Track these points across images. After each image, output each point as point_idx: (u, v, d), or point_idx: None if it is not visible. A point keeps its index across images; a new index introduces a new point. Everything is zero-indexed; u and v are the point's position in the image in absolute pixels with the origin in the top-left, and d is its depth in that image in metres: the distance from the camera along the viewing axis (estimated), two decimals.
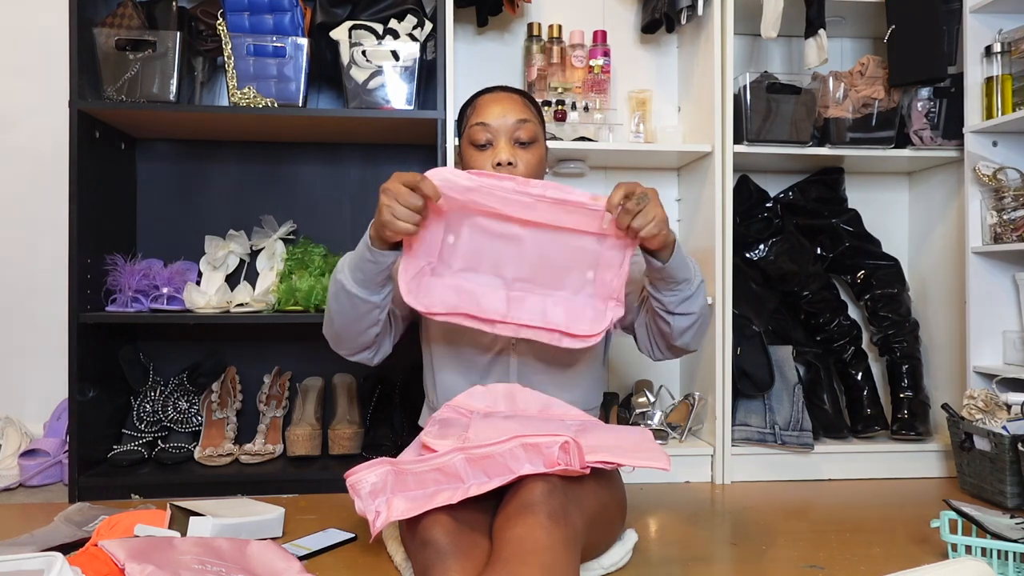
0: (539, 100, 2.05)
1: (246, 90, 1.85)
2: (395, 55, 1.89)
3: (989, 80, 1.97)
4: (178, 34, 1.85)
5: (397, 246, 1.29)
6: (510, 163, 1.40)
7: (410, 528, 1.18)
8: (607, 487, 1.29)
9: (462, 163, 1.49)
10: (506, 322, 1.34)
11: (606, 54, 2.10)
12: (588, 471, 1.18)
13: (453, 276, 1.34)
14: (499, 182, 1.27)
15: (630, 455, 1.23)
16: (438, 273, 1.33)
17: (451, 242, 1.31)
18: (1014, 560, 1.26)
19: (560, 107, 2.05)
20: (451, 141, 1.86)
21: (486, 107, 1.43)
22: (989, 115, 1.97)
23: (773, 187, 2.28)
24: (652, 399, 2.10)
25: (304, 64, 1.88)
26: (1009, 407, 1.83)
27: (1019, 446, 1.70)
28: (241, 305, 1.96)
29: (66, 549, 1.32)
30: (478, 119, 1.42)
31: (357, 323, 1.35)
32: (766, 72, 2.05)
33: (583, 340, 1.34)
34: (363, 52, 1.88)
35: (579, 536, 1.12)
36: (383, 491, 1.17)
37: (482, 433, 1.23)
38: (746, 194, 2.22)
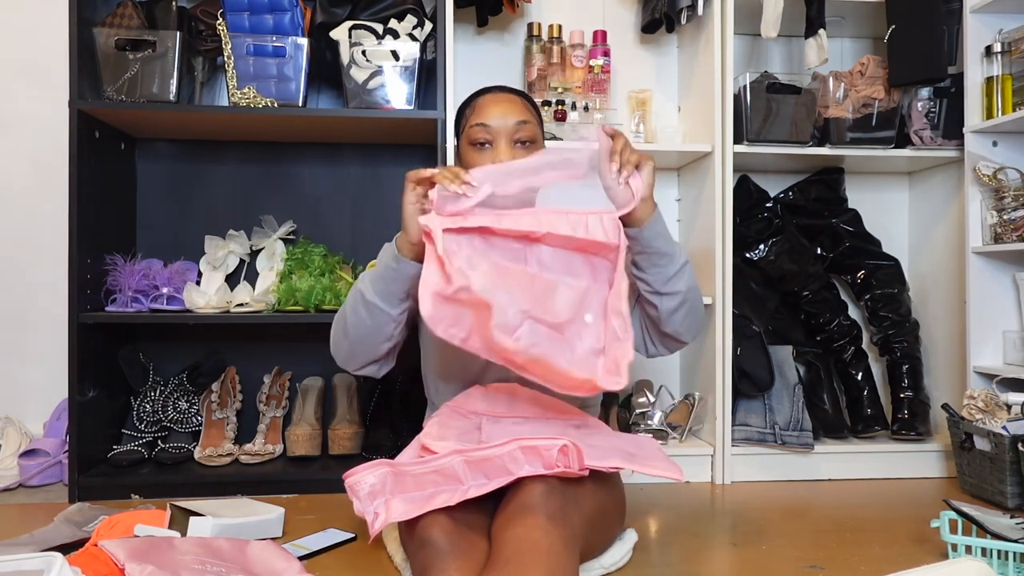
0: (539, 100, 2.05)
1: (246, 90, 1.85)
2: (395, 55, 1.89)
3: (989, 80, 1.97)
4: (178, 34, 1.85)
5: (421, 258, 1.27)
6: None
7: (409, 528, 1.18)
8: (606, 488, 1.29)
9: (461, 163, 1.49)
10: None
11: (606, 54, 2.10)
12: (587, 472, 1.18)
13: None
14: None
15: (647, 463, 1.22)
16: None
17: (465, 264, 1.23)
18: (1014, 560, 1.26)
19: (560, 107, 2.05)
20: (451, 141, 1.86)
21: (486, 107, 1.43)
22: (989, 115, 1.97)
23: (773, 187, 2.28)
24: (652, 399, 2.10)
25: (304, 64, 1.88)
26: (1009, 407, 1.83)
27: (1019, 446, 1.70)
28: (241, 305, 1.96)
29: (66, 549, 1.32)
30: (478, 119, 1.42)
31: (374, 335, 1.36)
32: (766, 72, 2.05)
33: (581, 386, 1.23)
34: (363, 52, 1.88)
35: (578, 537, 1.12)
36: (382, 492, 1.17)
37: (493, 437, 1.22)
38: (746, 194, 2.22)
